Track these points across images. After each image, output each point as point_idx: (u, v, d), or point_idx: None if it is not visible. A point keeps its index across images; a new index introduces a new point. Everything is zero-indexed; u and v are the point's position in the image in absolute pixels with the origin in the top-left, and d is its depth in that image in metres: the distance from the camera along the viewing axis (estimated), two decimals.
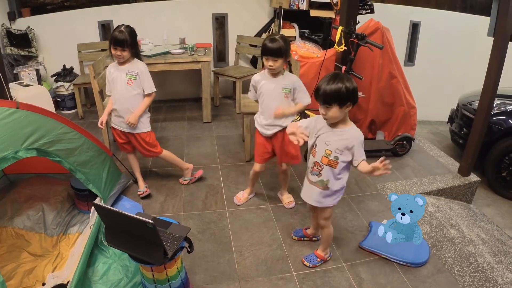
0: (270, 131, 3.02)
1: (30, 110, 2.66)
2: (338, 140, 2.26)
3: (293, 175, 3.77)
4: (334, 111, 2.17)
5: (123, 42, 2.89)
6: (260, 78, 2.96)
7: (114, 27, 3.02)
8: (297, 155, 3.10)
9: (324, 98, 2.15)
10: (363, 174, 3.83)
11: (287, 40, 2.82)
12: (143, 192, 3.39)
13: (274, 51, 2.71)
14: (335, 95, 2.12)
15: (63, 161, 2.67)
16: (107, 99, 3.59)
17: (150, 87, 3.14)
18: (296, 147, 3.02)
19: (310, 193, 2.47)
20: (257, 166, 3.20)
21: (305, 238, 2.91)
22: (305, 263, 2.67)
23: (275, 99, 2.91)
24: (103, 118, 3.17)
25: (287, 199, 3.34)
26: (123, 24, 2.96)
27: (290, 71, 3.02)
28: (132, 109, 3.11)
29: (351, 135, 2.25)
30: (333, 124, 2.29)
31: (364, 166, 2.26)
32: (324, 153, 2.32)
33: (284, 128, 2.96)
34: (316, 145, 2.37)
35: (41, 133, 2.57)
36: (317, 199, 2.45)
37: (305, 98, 2.93)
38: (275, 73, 2.87)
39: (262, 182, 3.67)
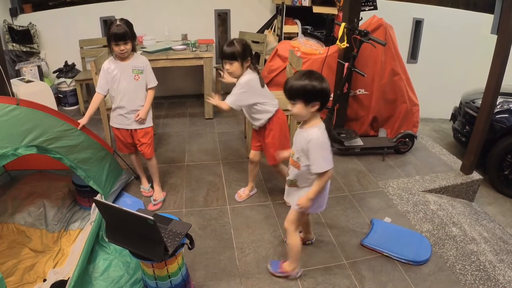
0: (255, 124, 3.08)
1: (30, 107, 2.65)
2: (299, 140, 2.21)
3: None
4: (299, 108, 2.10)
5: (124, 35, 2.81)
6: None
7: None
8: (273, 156, 3.05)
9: (289, 93, 2.11)
10: (364, 172, 3.84)
11: (247, 45, 2.83)
12: (148, 191, 3.39)
13: (228, 54, 2.76)
14: (300, 91, 2.06)
15: (64, 158, 2.67)
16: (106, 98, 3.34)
17: (154, 80, 3.11)
18: (275, 148, 3.00)
19: (288, 191, 2.45)
20: (251, 153, 3.26)
21: None
22: (268, 265, 2.60)
23: None
24: (84, 121, 2.98)
25: None
26: (117, 19, 2.88)
27: (256, 69, 2.93)
28: (140, 106, 3.06)
29: (308, 136, 2.13)
30: (302, 124, 2.22)
31: (313, 186, 2.21)
32: (291, 153, 2.30)
33: (264, 125, 3.01)
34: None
35: (41, 130, 2.57)
36: (288, 195, 2.43)
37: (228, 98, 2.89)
38: (235, 77, 2.91)
39: (263, 178, 3.67)
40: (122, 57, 2.95)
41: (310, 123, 2.17)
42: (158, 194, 3.33)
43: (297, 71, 2.19)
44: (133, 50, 3.00)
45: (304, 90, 2.05)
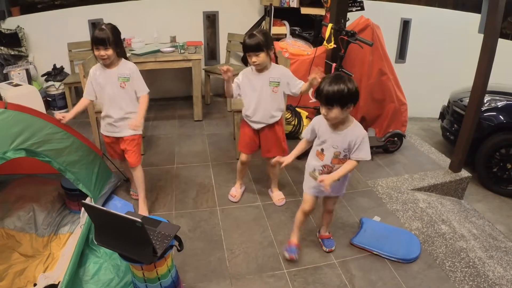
0: (258, 126, 3.04)
1: (18, 110, 2.63)
2: (343, 141, 2.30)
3: (283, 171, 3.76)
4: (336, 112, 2.18)
5: (104, 40, 2.67)
6: (245, 75, 2.96)
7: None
8: (285, 148, 3.13)
9: (326, 99, 2.16)
10: (353, 171, 3.86)
11: (267, 34, 2.82)
12: (137, 194, 3.36)
13: (254, 46, 2.72)
14: (337, 96, 2.13)
15: (52, 161, 2.65)
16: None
17: (144, 88, 2.95)
18: (284, 142, 3.11)
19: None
20: (243, 156, 3.22)
21: None
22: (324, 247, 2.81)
23: (263, 95, 2.92)
24: (68, 116, 2.83)
25: (277, 196, 3.34)
26: (104, 23, 2.79)
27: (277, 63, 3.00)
28: (128, 113, 2.92)
29: (354, 134, 2.28)
30: (334, 126, 2.30)
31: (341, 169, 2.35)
32: (333, 155, 2.35)
33: (272, 124, 3.03)
34: (323, 149, 2.38)
35: (30, 133, 2.54)
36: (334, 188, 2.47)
37: (300, 84, 2.90)
38: (261, 68, 2.87)
39: (252, 178, 3.68)
40: (105, 64, 2.83)
41: (347, 122, 2.29)
42: (142, 211, 3.14)
43: (325, 76, 2.26)
44: (122, 56, 2.89)
45: (341, 95, 2.12)
